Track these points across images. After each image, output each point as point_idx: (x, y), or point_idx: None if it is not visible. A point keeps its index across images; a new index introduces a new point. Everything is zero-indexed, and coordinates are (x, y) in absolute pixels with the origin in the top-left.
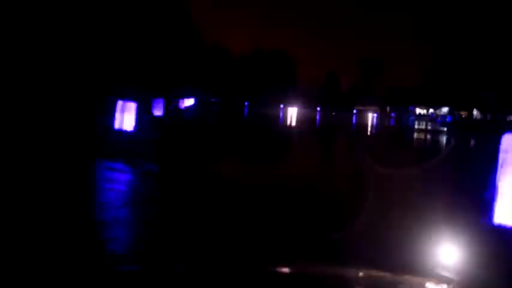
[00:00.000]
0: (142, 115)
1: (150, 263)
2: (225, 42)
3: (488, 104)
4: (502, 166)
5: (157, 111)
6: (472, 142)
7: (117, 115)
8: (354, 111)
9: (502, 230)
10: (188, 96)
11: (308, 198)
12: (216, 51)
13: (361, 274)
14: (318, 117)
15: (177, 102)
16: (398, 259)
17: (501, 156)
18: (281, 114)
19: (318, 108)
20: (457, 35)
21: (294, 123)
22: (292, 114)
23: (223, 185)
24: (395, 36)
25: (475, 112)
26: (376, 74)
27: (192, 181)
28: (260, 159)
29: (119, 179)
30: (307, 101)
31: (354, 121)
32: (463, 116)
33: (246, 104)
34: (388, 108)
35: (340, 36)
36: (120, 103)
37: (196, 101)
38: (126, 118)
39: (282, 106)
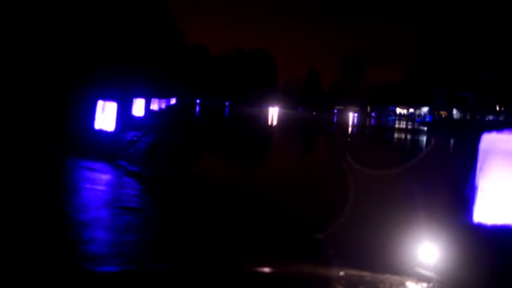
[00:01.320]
0: (123, 115)
1: (128, 265)
2: (206, 42)
3: (468, 104)
4: (481, 165)
5: (138, 111)
6: (452, 142)
7: (98, 115)
8: (335, 111)
9: (481, 228)
10: (169, 96)
11: (289, 198)
12: (197, 51)
13: (342, 273)
14: (298, 117)
15: (159, 102)
16: (379, 258)
17: (480, 155)
18: (262, 114)
19: (299, 108)
20: (438, 35)
21: (274, 123)
22: (273, 114)
23: (203, 185)
24: (376, 37)
25: (454, 112)
26: (357, 74)
27: (173, 181)
28: (241, 159)
29: (98, 179)
30: (288, 100)
31: (334, 121)
32: (443, 116)
33: (227, 104)
34: (368, 108)
35: (321, 37)
36: (100, 103)
37: (177, 101)
38: (106, 118)
39: (263, 106)
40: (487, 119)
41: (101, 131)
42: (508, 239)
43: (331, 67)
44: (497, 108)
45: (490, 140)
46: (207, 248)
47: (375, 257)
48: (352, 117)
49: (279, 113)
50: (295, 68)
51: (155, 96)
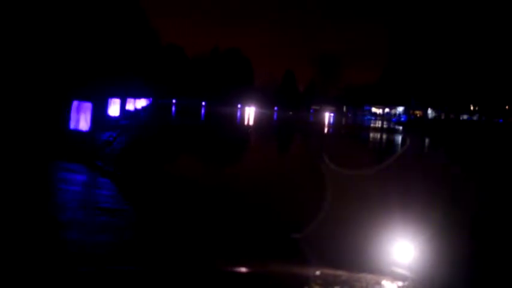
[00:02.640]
0: (98, 115)
1: (104, 265)
2: (181, 42)
3: (442, 104)
4: (454, 164)
5: (114, 111)
6: (427, 141)
7: (73, 115)
8: (311, 110)
9: (455, 227)
10: (145, 96)
11: (266, 198)
12: (173, 51)
13: (318, 273)
14: (275, 116)
15: (134, 102)
16: (355, 258)
17: (453, 154)
18: (239, 114)
19: (276, 108)
20: (413, 36)
21: (251, 123)
22: (249, 114)
23: (179, 185)
24: (352, 37)
25: (429, 111)
26: (332, 74)
27: (149, 182)
28: (218, 159)
29: (73, 180)
30: (264, 100)
31: (310, 121)
32: (418, 116)
33: (203, 104)
34: (344, 108)
35: (297, 37)
36: (75, 103)
37: (152, 101)
38: (81, 118)
39: (239, 106)
40: (461, 118)
41: (76, 131)
42: (480, 235)
43: (307, 67)
44: (471, 108)
45: (462, 139)
46: (183, 248)
47: (351, 256)
48: (328, 117)
49: (256, 112)
50: (271, 68)
51: (131, 96)
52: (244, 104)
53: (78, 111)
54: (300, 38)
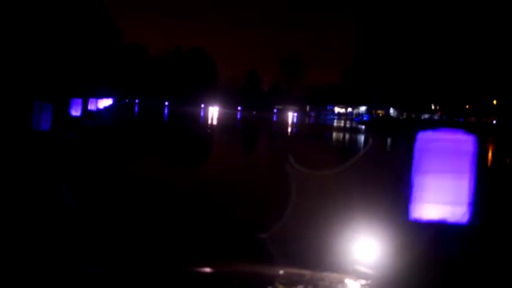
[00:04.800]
0: (60, 115)
1: (67, 266)
2: (144, 41)
3: (404, 103)
4: (417, 163)
5: (75, 111)
6: (389, 140)
7: (34, 115)
8: (275, 110)
9: (418, 225)
10: (107, 96)
11: (231, 199)
12: (136, 51)
13: (281, 272)
14: (238, 116)
15: (97, 102)
16: (320, 257)
17: (416, 153)
18: (202, 113)
19: (239, 108)
20: (376, 36)
21: (214, 123)
22: (213, 113)
23: (142, 185)
24: (316, 37)
25: (391, 111)
26: (295, 74)
27: (111, 181)
28: (182, 160)
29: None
30: (228, 100)
31: (274, 120)
32: (380, 115)
33: (166, 104)
34: (307, 107)
35: (261, 36)
36: (36, 103)
37: (115, 101)
38: (42, 118)
39: (203, 106)
40: (422, 117)
41: (37, 131)
42: (443, 234)
43: (272, 67)
44: (433, 107)
45: (424, 138)
46: (146, 249)
47: (315, 255)
48: (291, 116)
49: (219, 112)
50: (234, 67)
51: (93, 96)
52: (207, 103)
53: (40, 111)
54: (265, 37)
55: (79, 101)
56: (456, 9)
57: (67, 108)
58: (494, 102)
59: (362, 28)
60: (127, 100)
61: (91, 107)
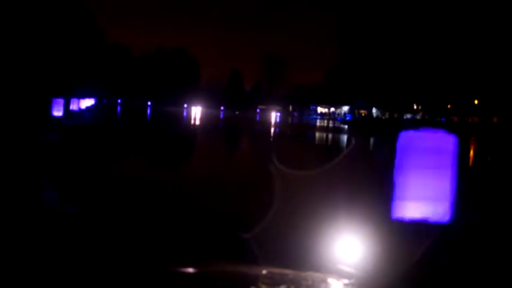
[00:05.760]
0: (42, 115)
1: (49, 268)
2: (127, 41)
3: (387, 103)
4: (399, 162)
5: (57, 111)
6: (372, 140)
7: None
8: (258, 110)
9: (400, 224)
10: (89, 96)
11: (215, 200)
12: (118, 50)
13: (264, 272)
14: (221, 116)
15: (79, 102)
16: (303, 256)
17: (398, 153)
18: (185, 113)
19: (222, 108)
20: (359, 36)
21: (197, 123)
22: (196, 113)
23: (125, 185)
24: (298, 37)
25: (374, 110)
26: (278, 74)
27: (94, 182)
28: (165, 160)
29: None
30: (211, 100)
31: (257, 120)
32: (363, 115)
33: (149, 103)
34: (290, 107)
35: (244, 36)
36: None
37: (97, 101)
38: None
39: (185, 106)
40: (404, 117)
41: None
42: (425, 233)
43: (254, 66)
44: (415, 107)
45: (406, 138)
46: (130, 249)
47: (298, 255)
48: (274, 116)
49: (202, 112)
50: (217, 67)
51: (75, 96)
52: (190, 103)
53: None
54: (247, 37)
55: (61, 101)
56: (437, 9)
57: (49, 108)
58: (476, 102)
59: (344, 28)
60: (110, 100)
61: (73, 107)
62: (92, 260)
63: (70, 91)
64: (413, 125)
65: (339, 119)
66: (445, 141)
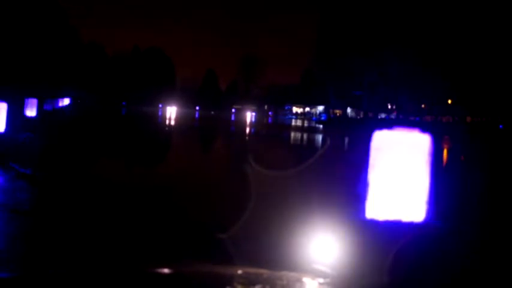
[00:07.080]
0: (15, 115)
1: (19, 271)
2: (102, 41)
3: (361, 103)
4: (372, 162)
5: (31, 112)
6: (346, 139)
7: None
8: (233, 110)
9: (374, 223)
10: (63, 96)
11: (191, 200)
12: (93, 50)
13: (240, 272)
14: (196, 116)
15: (53, 102)
16: (278, 256)
17: (372, 152)
18: (160, 113)
19: (197, 107)
20: (335, 36)
21: (172, 123)
22: (171, 113)
23: (100, 186)
24: (275, 37)
25: (348, 110)
26: (253, 74)
27: (68, 183)
28: (139, 161)
29: None
30: (186, 100)
31: (232, 120)
32: (338, 115)
33: (123, 103)
34: (266, 107)
35: (218, 36)
36: None
37: (71, 101)
38: None
39: (160, 105)
40: (379, 117)
41: None
42: (399, 233)
43: (229, 66)
44: (389, 107)
45: (380, 137)
46: (104, 250)
47: (273, 255)
48: (250, 116)
49: (177, 112)
50: (192, 67)
51: (49, 96)
52: (165, 103)
53: None
54: (223, 37)
55: (34, 100)
56: (414, 10)
57: (22, 108)
58: (449, 101)
59: (321, 28)
60: (85, 100)
61: (47, 107)
62: (65, 262)
63: (44, 91)
64: (388, 124)
65: (314, 118)
66: (419, 140)
